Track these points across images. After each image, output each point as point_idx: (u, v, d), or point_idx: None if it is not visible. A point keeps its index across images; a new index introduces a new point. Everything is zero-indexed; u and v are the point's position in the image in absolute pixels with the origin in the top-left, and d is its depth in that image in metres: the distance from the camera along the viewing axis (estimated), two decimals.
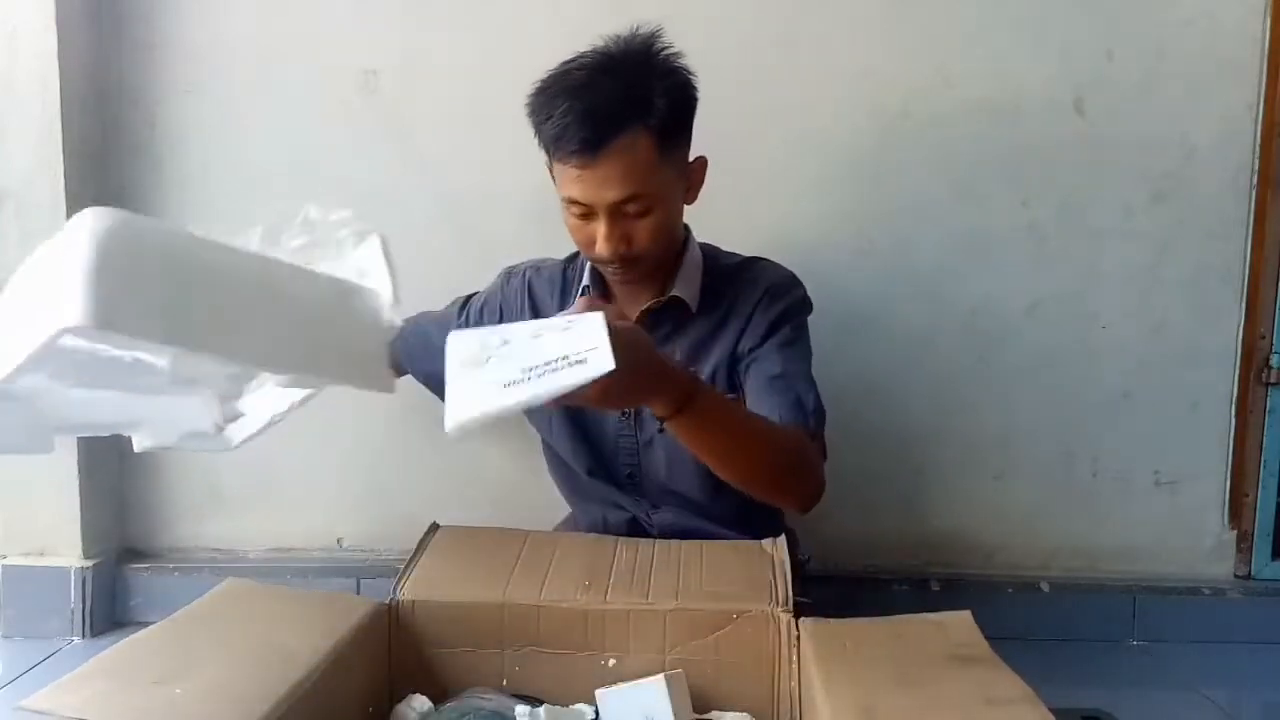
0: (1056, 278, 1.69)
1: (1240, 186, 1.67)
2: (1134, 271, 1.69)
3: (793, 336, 1.23)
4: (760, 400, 1.17)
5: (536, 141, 1.15)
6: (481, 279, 1.70)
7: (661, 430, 1.23)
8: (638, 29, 1.15)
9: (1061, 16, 1.64)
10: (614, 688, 0.89)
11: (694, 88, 1.17)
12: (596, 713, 0.90)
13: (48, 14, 1.56)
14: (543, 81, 1.13)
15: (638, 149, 1.09)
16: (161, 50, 1.68)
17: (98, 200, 1.68)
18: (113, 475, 1.74)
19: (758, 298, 1.24)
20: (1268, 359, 1.69)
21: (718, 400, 1.04)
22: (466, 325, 1.39)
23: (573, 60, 1.13)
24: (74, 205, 1.61)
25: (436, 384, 1.42)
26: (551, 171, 1.17)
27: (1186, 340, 1.70)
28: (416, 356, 1.36)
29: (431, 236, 1.70)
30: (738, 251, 1.34)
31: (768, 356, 1.21)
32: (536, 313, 1.33)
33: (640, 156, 1.09)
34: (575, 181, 1.11)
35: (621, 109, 1.08)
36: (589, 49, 1.14)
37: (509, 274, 1.40)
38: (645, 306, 1.24)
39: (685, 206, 1.24)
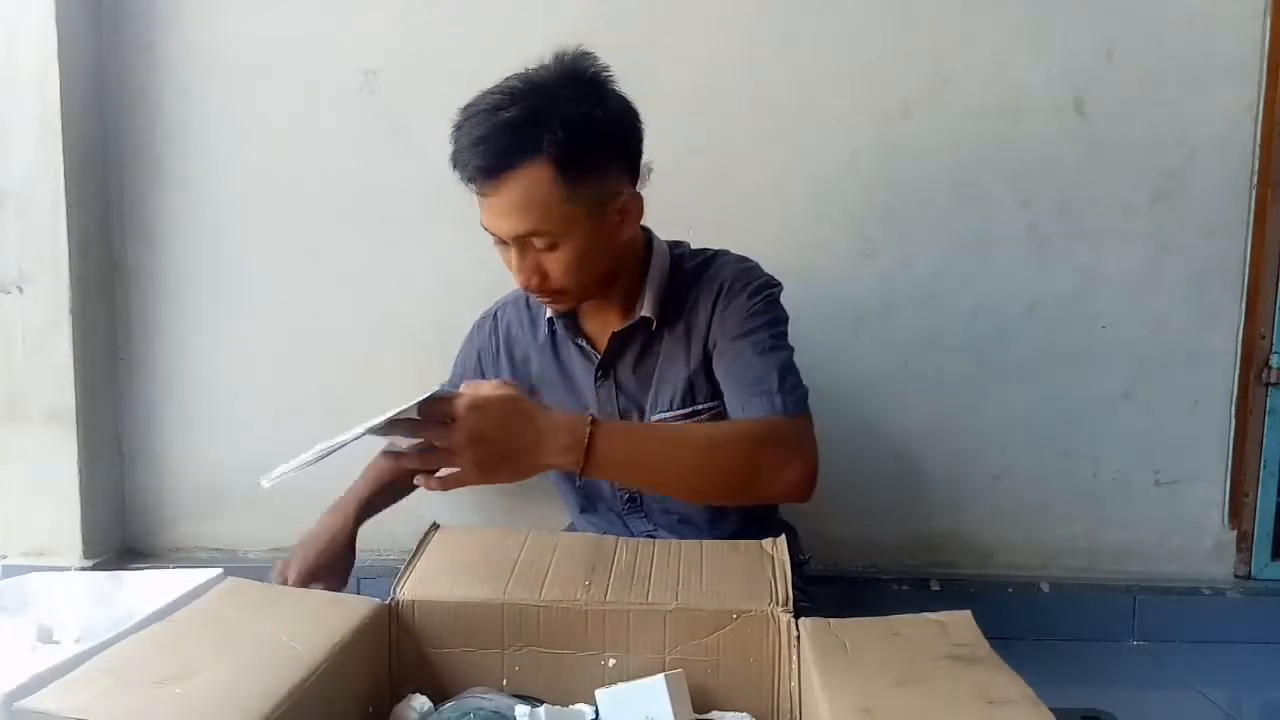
0: (1056, 278, 1.69)
1: (1240, 186, 1.67)
2: (1134, 271, 1.69)
3: (755, 321, 1.16)
4: (730, 398, 1.14)
5: None
6: (480, 279, 1.70)
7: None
8: (566, 52, 1.09)
9: (1061, 16, 1.64)
10: (614, 688, 0.89)
11: (615, 117, 1.09)
12: (597, 713, 0.90)
13: (48, 14, 1.56)
14: (470, 99, 1.08)
15: (535, 183, 1.03)
16: (161, 50, 1.68)
17: (98, 200, 1.69)
18: (113, 475, 1.74)
19: (714, 297, 1.18)
20: (1268, 359, 1.69)
21: (625, 431, 1.02)
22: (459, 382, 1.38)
23: (502, 81, 1.07)
24: (74, 205, 1.62)
25: None
26: None
27: (1186, 340, 1.70)
28: None
29: (431, 236, 1.70)
30: (730, 250, 1.28)
31: (727, 349, 1.15)
32: (510, 350, 1.31)
33: (538, 191, 1.03)
34: (482, 209, 1.08)
35: (515, 139, 1.02)
36: (524, 70, 1.08)
37: (483, 320, 1.38)
38: (613, 331, 1.20)
39: (627, 236, 1.15)
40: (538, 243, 1.07)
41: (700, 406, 1.21)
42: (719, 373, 1.18)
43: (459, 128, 1.06)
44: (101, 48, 1.67)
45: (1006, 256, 1.69)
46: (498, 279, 1.69)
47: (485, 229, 1.10)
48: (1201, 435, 1.72)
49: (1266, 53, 1.64)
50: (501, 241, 1.11)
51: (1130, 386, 1.71)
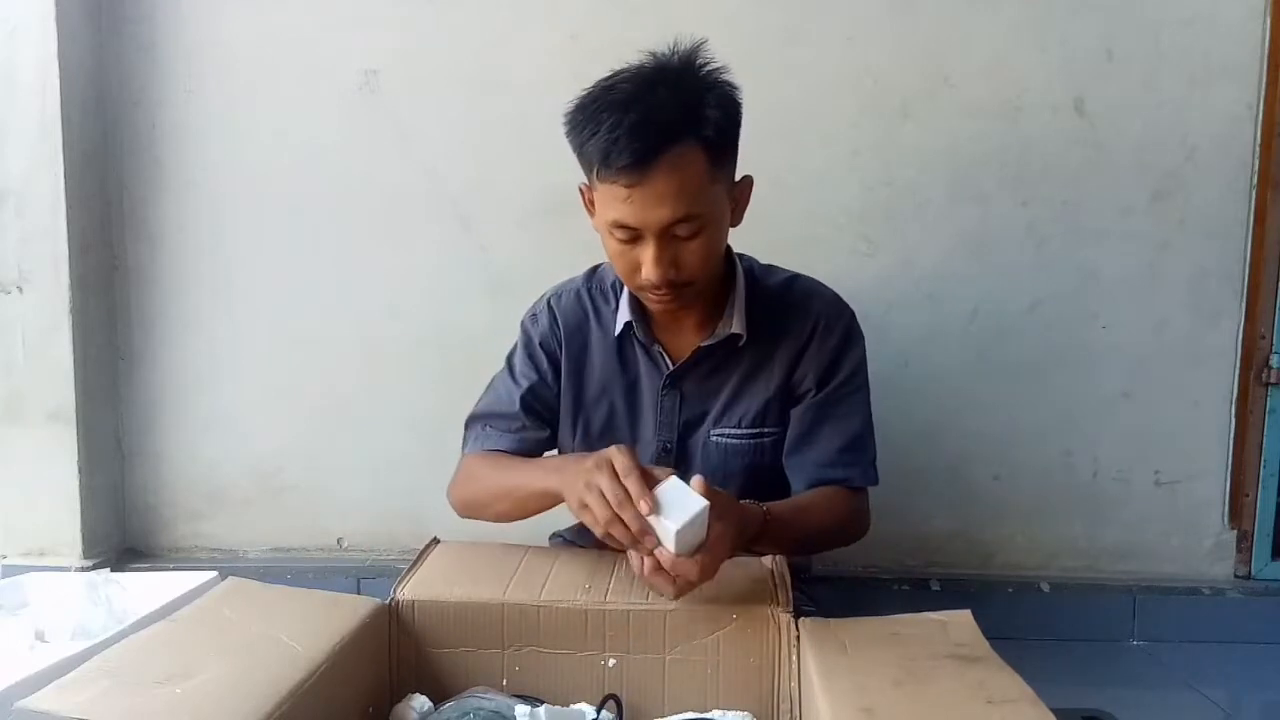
0: (1056, 278, 1.69)
1: (1240, 186, 1.67)
2: (1134, 271, 1.69)
3: (857, 378, 1.22)
4: (822, 445, 1.19)
5: (579, 161, 1.07)
6: (480, 278, 1.70)
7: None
8: (676, 43, 1.07)
9: (1061, 16, 1.64)
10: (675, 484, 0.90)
11: (740, 103, 1.08)
12: (597, 712, 0.90)
13: (48, 14, 1.56)
14: (583, 98, 1.05)
15: (690, 164, 1.02)
16: (161, 50, 1.68)
17: (98, 200, 1.69)
18: (113, 475, 1.74)
19: (808, 331, 1.20)
20: (1268, 359, 1.69)
21: (782, 522, 1.07)
22: (529, 380, 1.29)
23: (614, 76, 1.05)
24: (74, 205, 1.62)
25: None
26: (588, 198, 1.11)
27: (1186, 340, 1.70)
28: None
29: (431, 235, 1.70)
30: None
31: (834, 396, 1.20)
32: (569, 339, 1.25)
33: (692, 172, 1.02)
34: (624, 203, 1.03)
35: (674, 120, 1.01)
36: (627, 66, 1.06)
37: (535, 314, 1.30)
38: (699, 345, 1.19)
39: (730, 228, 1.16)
40: (682, 230, 1.05)
41: (767, 429, 1.21)
42: (807, 412, 1.20)
43: (596, 119, 1.02)
44: (101, 48, 1.67)
45: (1006, 256, 1.69)
46: (497, 278, 1.70)
47: (621, 224, 1.05)
48: (1201, 435, 1.72)
49: (1266, 53, 1.64)
50: (630, 240, 1.07)
51: (1130, 386, 1.71)
